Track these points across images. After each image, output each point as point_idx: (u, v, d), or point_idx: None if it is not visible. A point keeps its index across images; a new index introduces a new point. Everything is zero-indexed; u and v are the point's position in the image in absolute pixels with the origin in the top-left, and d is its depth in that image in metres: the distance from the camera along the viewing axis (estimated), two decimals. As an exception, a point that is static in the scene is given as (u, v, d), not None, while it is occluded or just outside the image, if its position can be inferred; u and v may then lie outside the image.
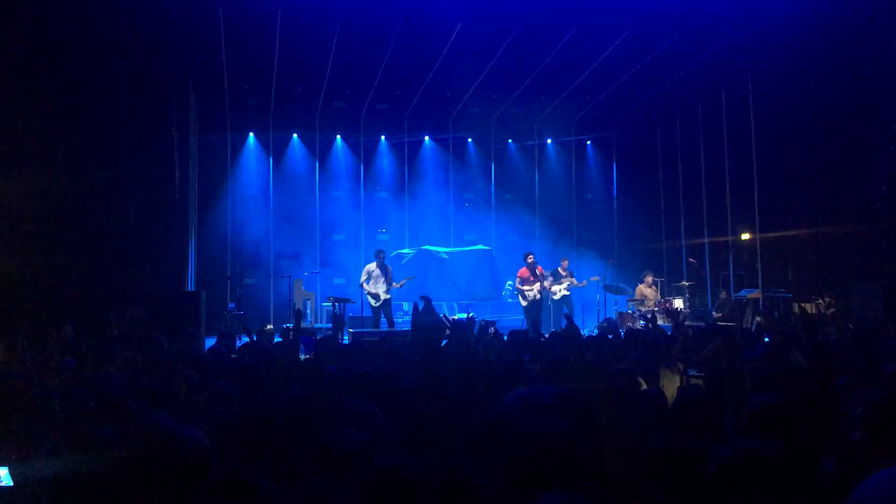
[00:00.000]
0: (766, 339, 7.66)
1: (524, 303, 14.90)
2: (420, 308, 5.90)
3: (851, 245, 13.49)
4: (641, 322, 14.18)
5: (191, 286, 15.16)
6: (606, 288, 16.39)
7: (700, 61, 15.18)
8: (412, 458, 1.40)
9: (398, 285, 14.44)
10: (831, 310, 13.20)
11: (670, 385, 3.98)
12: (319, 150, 19.00)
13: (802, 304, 13.76)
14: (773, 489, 2.04)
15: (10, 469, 1.85)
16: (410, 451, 2.66)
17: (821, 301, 13.60)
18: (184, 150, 14.56)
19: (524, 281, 14.90)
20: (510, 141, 20.27)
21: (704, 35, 14.03)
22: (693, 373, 4.42)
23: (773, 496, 2.03)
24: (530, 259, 14.94)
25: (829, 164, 13.82)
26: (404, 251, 18.02)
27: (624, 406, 2.15)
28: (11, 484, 1.88)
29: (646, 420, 3.28)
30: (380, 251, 14.71)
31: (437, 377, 2.52)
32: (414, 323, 5.82)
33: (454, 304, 17.97)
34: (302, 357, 5.70)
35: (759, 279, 15.83)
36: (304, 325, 15.24)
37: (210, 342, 9.83)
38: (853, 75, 13.07)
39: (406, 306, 17.76)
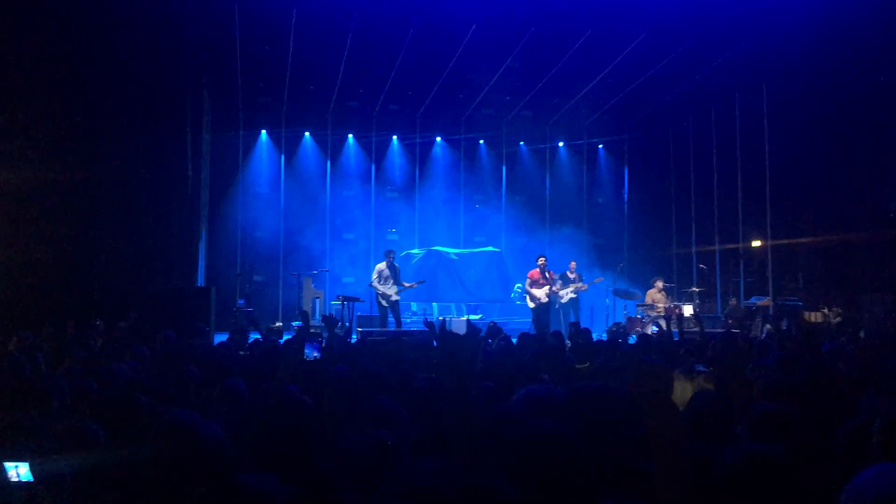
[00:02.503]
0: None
1: (532, 305, 14.88)
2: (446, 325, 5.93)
3: (863, 254, 13.42)
4: (654, 328, 14.13)
5: (201, 282, 15.20)
6: (616, 292, 16.35)
7: (714, 67, 15.14)
8: (441, 470, 1.38)
9: (410, 286, 14.42)
10: (837, 319, 13.13)
11: (684, 391, 3.96)
12: (331, 149, 19.03)
13: (805, 315, 13.69)
14: (779, 493, 2.04)
15: (30, 465, 1.86)
16: (428, 453, 2.66)
17: (827, 310, 13.54)
18: (196, 148, 14.61)
19: (534, 283, 14.88)
20: (522, 143, 20.26)
21: (719, 41, 13.99)
22: (701, 368, 4.40)
23: (780, 500, 2.04)
24: (541, 261, 14.92)
25: (842, 173, 13.75)
26: (414, 251, 18.02)
27: (675, 408, 2.14)
28: (32, 479, 1.89)
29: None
30: (390, 251, 14.70)
31: (460, 377, 2.51)
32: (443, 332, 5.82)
33: (462, 305, 17.98)
34: (310, 358, 5.70)
35: (770, 287, 15.76)
36: (312, 323, 15.27)
37: (219, 338, 9.86)
38: (867, 84, 13.00)
39: (414, 307, 17.79)
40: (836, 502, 1.58)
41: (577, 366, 5.29)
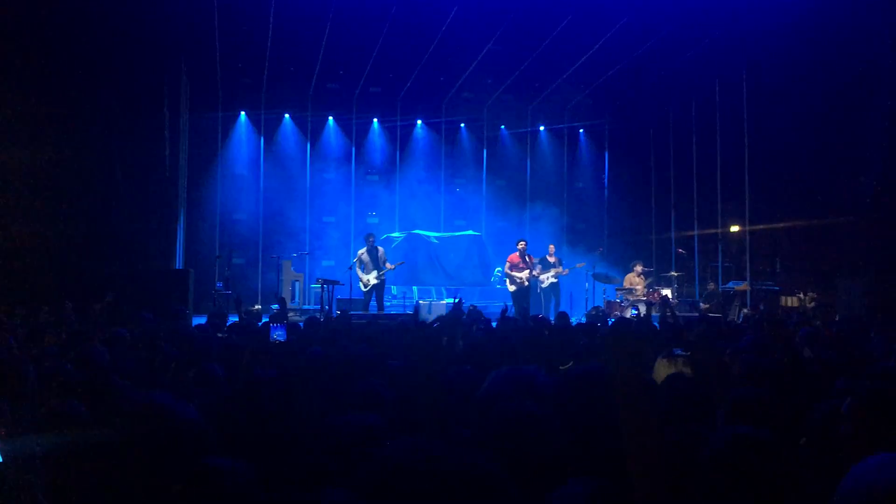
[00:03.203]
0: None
1: (512, 288, 14.95)
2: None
3: (840, 239, 13.55)
4: (633, 311, 14.23)
5: (179, 265, 15.09)
6: (595, 276, 16.43)
7: (694, 53, 15.18)
8: (420, 448, 1.36)
9: (391, 267, 14.40)
10: (812, 304, 13.29)
11: (663, 374, 3.98)
12: (311, 131, 18.90)
13: (782, 299, 13.85)
14: (764, 477, 2.06)
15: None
16: (403, 434, 2.65)
17: (803, 295, 13.70)
18: (174, 128, 14.46)
19: (513, 266, 14.95)
20: (503, 127, 20.23)
21: (699, 27, 14.03)
22: (679, 352, 4.42)
23: (765, 482, 2.05)
24: (521, 245, 14.98)
25: (820, 159, 13.86)
26: (394, 235, 18.00)
27: (652, 388, 2.15)
28: (1, 460, 1.86)
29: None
30: (369, 235, 14.67)
31: (430, 358, 2.51)
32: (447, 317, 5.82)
33: (442, 289, 17.99)
34: (276, 340, 5.69)
35: (748, 271, 15.90)
36: (292, 305, 15.24)
37: (198, 321, 9.80)
38: (845, 71, 13.09)
39: (395, 290, 17.77)
40: (818, 486, 1.59)
41: (560, 367, 5.30)
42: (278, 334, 5.72)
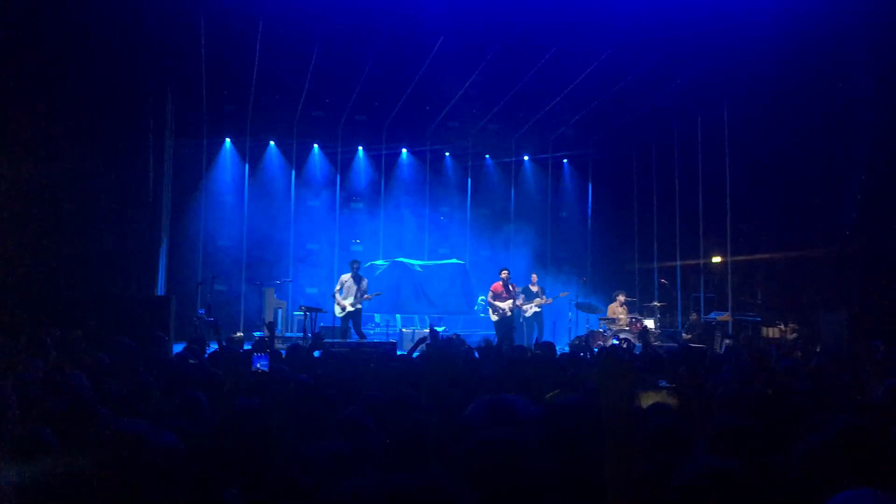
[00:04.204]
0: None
1: (495, 318, 14.96)
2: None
3: (819, 271, 13.69)
4: (614, 340, 14.25)
5: (161, 291, 14.98)
6: (578, 306, 16.48)
7: (676, 86, 15.38)
8: (392, 476, 1.37)
9: (368, 297, 14.40)
10: (794, 335, 13.38)
11: (647, 405, 4.00)
12: (296, 159, 18.93)
13: (763, 330, 13.93)
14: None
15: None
16: (389, 464, 2.64)
17: (784, 326, 13.78)
18: (159, 154, 14.43)
19: (497, 296, 14.97)
20: (487, 156, 20.34)
21: (681, 61, 14.22)
22: (664, 384, 4.45)
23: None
24: (504, 275, 15.02)
25: (800, 191, 14.03)
26: (378, 262, 17.98)
27: (636, 417, 2.15)
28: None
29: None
30: (354, 261, 14.67)
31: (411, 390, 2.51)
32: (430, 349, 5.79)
33: (426, 317, 17.95)
34: (258, 369, 5.64)
35: (730, 302, 15.99)
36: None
37: (178, 348, 9.71)
38: (825, 105, 13.30)
39: (378, 318, 17.72)
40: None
41: (546, 396, 5.31)
42: (261, 364, 5.67)
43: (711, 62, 14.00)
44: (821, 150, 13.43)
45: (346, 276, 14.46)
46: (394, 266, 17.64)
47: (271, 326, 5.76)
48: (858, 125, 12.60)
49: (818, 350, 11.62)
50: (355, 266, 14.48)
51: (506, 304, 14.86)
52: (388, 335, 15.75)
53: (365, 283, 14.46)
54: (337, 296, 14.36)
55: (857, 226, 12.70)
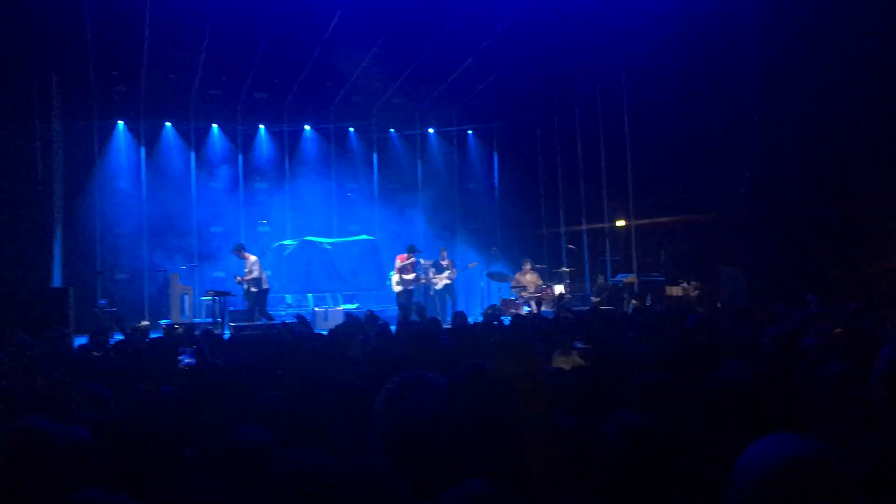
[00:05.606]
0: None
1: (398, 289, 15.10)
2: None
3: (719, 231, 14.23)
4: (526, 308, 14.51)
5: (58, 282, 14.33)
6: (490, 275, 16.68)
7: (576, 56, 15.59)
8: (319, 458, 1.33)
9: (239, 280, 14.36)
10: (696, 293, 13.92)
11: (563, 367, 4.07)
12: (195, 140, 18.32)
13: (667, 289, 14.45)
14: (657, 462, 2.10)
15: None
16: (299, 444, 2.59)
17: (686, 285, 14.32)
18: (46, 138, 13.69)
19: (403, 267, 15.12)
20: (392, 130, 20.20)
21: (581, 31, 14.41)
22: (579, 345, 4.54)
23: (658, 469, 2.09)
24: (410, 248, 15.28)
25: (696, 156, 14.50)
26: (286, 242, 17.70)
27: (542, 385, 2.17)
28: None
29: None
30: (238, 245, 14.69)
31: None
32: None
33: (338, 294, 17.83)
34: (185, 366, 5.51)
35: (634, 264, 16.46)
36: (182, 319, 14.75)
37: (80, 341, 9.32)
38: (716, 75, 13.74)
39: (289, 298, 17.49)
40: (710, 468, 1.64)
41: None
42: (188, 361, 5.54)
43: (609, 33, 14.27)
44: (715, 116, 13.90)
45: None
46: (303, 245, 17.43)
47: (209, 335, 5.66)
48: (750, 93, 13.07)
49: (719, 306, 12.14)
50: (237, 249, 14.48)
51: (410, 276, 15.04)
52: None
53: (250, 261, 14.26)
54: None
55: (750, 188, 13.23)
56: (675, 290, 14.38)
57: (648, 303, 14.11)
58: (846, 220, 11.71)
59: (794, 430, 1.70)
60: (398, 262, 15.32)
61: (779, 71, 12.50)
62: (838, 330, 5.71)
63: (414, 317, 13.91)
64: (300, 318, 9.00)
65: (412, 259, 15.31)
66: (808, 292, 10.00)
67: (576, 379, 3.30)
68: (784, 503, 1.45)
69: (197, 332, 8.41)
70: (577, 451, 2.32)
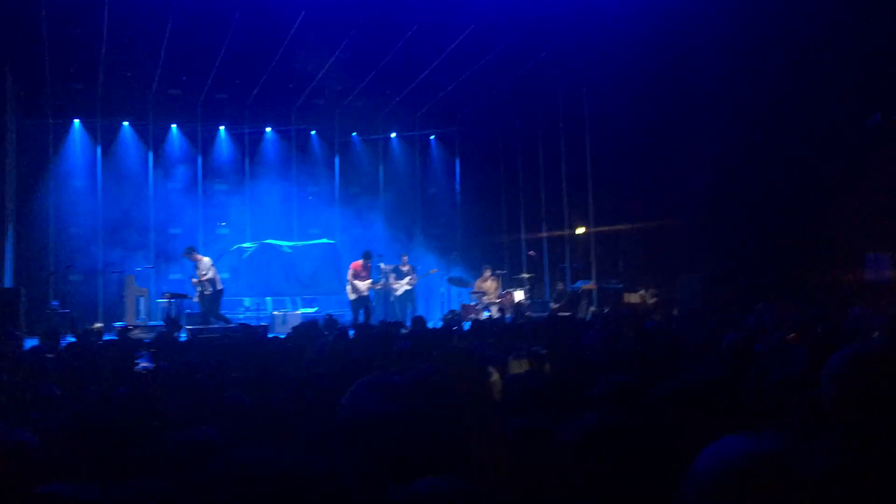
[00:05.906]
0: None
1: (353, 296, 15.07)
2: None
3: (677, 238, 14.42)
4: (486, 313, 14.57)
5: (9, 283, 14.02)
6: (451, 280, 16.72)
7: (538, 63, 15.68)
8: (267, 453, 1.33)
9: (194, 282, 14.25)
10: (654, 300, 14.10)
11: (519, 372, 4.11)
12: (153, 140, 18.05)
13: (625, 296, 14.62)
14: (616, 461, 2.12)
15: None
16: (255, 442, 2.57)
17: (644, 292, 14.50)
18: (-1, 135, 13.41)
19: (356, 274, 15.09)
20: (354, 134, 20.13)
21: (542, 38, 14.53)
22: (538, 349, 4.59)
23: (617, 468, 2.11)
24: (366, 254, 15.30)
25: (655, 163, 14.69)
26: (246, 245, 17.54)
27: (487, 391, 2.20)
28: None
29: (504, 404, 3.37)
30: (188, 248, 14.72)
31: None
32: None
33: (297, 298, 17.70)
34: (143, 370, 5.45)
35: (594, 271, 16.61)
36: (137, 321, 14.52)
37: (31, 343, 9.12)
38: (676, 83, 13.93)
39: (248, 301, 17.31)
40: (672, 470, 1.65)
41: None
42: (144, 364, 5.48)
43: (570, 41, 14.39)
44: (673, 125, 14.09)
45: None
46: (262, 248, 17.30)
47: (173, 322, 5.61)
48: (707, 102, 13.28)
49: (675, 313, 12.31)
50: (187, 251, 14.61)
51: (364, 284, 15.02)
52: (259, 318, 15.42)
53: (203, 263, 14.22)
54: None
55: (706, 196, 13.43)
56: (633, 298, 14.55)
57: (606, 310, 14.25)
58: (803, 228, 11.92)
59: (750, 431, 1.72)
60: (351, 271, 15.29)
61: (736, 79, 12.71)
62: (792, 335, 5.83)
63: (361, 317, 14.07)
64: (243, 326, 8.99)
65: (367, 264, 15.32)
66: (764, 300, 10.17)
67: (528, 382, 3.33)
68: (739, 500, 1.47)
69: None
70: (532, 451, 2.33)
